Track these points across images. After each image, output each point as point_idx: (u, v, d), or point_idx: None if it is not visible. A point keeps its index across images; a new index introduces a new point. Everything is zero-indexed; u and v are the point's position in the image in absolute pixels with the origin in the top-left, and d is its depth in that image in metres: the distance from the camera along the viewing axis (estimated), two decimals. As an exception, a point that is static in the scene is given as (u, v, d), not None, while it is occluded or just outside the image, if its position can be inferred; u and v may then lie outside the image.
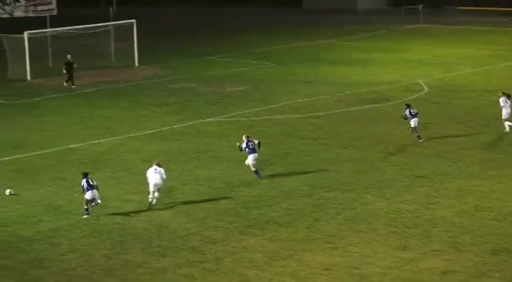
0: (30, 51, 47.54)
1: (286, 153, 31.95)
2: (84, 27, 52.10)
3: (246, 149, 28.50)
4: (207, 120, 37.49)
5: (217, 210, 25.56)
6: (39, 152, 32.03)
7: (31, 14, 71.05)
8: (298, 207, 25.81)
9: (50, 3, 72.31)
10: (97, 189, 25.08)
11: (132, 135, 34.81)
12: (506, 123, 33.80)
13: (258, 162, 28.75)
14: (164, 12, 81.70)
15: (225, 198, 26.75)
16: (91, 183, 25.06)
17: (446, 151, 31.71)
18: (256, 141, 28.79)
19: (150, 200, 25.87)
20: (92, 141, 33.68)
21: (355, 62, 53.09)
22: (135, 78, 48.37)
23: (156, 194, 25.91)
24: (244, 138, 28.76)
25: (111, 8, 56.86)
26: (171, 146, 32.82)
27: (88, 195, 24.93)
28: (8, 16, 70.12)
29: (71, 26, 51.78)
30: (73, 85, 45.45)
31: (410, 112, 33.10)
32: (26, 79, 47.28)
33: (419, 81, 46.10)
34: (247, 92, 44.11)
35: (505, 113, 33.88)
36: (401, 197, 26.50)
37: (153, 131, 35.55)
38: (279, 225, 24.29)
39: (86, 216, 25.00)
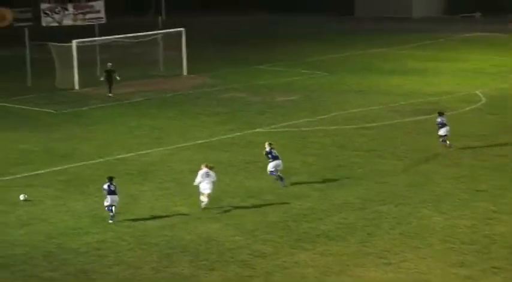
0: (78, 60, 48.01)
1: (338, 165, 31.76)
2: (133, 36, 52.54)
3: (269, 155, 29.01)
4: (256, 130, 37.47)
5: (266, 223, 25.47)
6: (86, 162, 32.27)
7: (79, 23, 71.92)
8: (350, 221, 25.60)
9: (98, 11, 73.09)
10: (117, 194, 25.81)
11: (180, 145, 34.93)
12: None
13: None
14: (213, 20, 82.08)
15: (274, 210, 26.65)
16: (112, 188, 25.70)
17: (505, 164, 31.22)
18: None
19: (201, 202, 26.53)
20: (140, 152, 33.87)
21: (410, 72, 52.68)
22: (183, 87, 48.58)
23: (205, 199, 26.44)
24: (266, 145, 29.33)
25: (159, 17, 57.25)
26: (220, 157, 32.84)
27: (108, 200, 25.57)
28: (56, 24, 71.11)
29: (119, 34, 52.25)
30: (110, 93, 45.70)
31: (441, 121, 33.31)
32: (73, 88, 47.77)
33: (477, 92, 45.55)
34: (298, 101, 44.02)
35: None
36: (458, 212, 26.12)
37: (202, 141, 35.63)
38: (330, 239, 24.11)
39: (110, 221, 25.51)
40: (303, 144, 34.88)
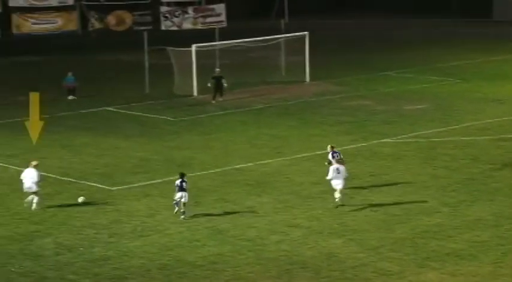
0: (197, 65, 48.72)
1: (471, 178, 31.21)
2: (254, 40, 52.99)
3: (333, 159, 29.70)
4: (382, 140, 37.23)
5: (392, 240, 25.27)
6: (204, 172, 32.75)
7: (199, 26, 73.37)
8: (483, 239, 25.12)
9: (219, 15, 74.41)
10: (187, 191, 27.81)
11: (301, 155, 35.05)
12: None
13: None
14: (339, 23, 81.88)
15: (401, 226, 26.43)
16: (183, 186, 27.53)
17: None
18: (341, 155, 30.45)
19: (336, 199, 28.05)
20: (259, 162, 34.16)
21: (552, 79, 51.27)
22: (305, 94, 48.68)
23: (338, 195, 27.94)
24: (329, 148, 30.46)
25: (282, 20, 57.52)
26: (343, 168, 32.76)
27: (177, 195, 27.55)
28: (176, 28, 72.71)
29: (240, 38, 52.91)
30: (213, 100, 46.37)
31: None
32: (192, 95, 48.53)
33: None
34: (428, 110, 43.48)
35: None
36: None
37: (324, 151, 35.32)
38: (461, 258, 23.72)
39: (175, 209, 27.61)
40: (433, 156, 34.44)
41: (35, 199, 28.29)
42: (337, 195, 27.95)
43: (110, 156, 35.59)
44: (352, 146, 36.27)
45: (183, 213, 27.31)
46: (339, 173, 28.10)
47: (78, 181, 31.88)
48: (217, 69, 47.99)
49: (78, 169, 33.63)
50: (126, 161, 34.74)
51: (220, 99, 46.61)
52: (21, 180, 28.82)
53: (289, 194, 29.83)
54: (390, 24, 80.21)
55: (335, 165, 28.41)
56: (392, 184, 30.71)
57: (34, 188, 28.34)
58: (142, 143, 37.92)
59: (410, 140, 37.37)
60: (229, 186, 30.96)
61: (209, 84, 46.84)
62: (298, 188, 30.56)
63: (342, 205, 27.90)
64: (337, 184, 28.07)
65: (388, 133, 38.55)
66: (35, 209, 28.20)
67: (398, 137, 37.80)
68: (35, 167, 28.61)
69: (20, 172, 29.59)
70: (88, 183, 31.64)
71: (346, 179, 28.24)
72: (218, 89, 46.79)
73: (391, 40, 71.97)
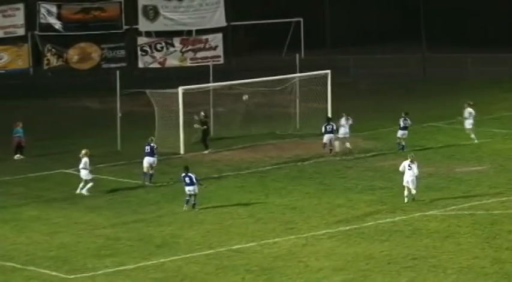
0: (185, 114, 48.90)
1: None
2: (260, 81, 53.15)
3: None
4: (427, 213, 37.17)
5: None
6: (191, 254, 32.65)
7: (189, 63, 73.77)
8: None
9: (214, 48, 74.77)
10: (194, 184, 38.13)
11: (319, 232, 34.97)
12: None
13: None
14: (372, 59, 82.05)
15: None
16: (187, 180, 38.01)
17: None
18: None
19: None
20: (263, 241, 34.09)
21: None
22: (327, 152, 48.70)
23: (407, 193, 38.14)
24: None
25: (297, 55, 57.79)
26: (376, 250, 32.69)
27: (186, 189, 38.36)
28: (158, 66, 73.09)
29: (241, 79, 53.07)
30: (206, 150, 48.42)
31: (326, 128, 47.17)
32: (178, 152, 48.61)
33: None
34: (487, 173, 43.51)
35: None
36: None
37: (350, 227, 35.57)
38: None
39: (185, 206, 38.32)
40: (494, 234, 34.34)
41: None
42: (406, 193, 37.75)
43: (66, 234, 35.54)
44: (387, 220, 36.23)
45: (194, 205, 38.04)
46: (409, 169, 37.44)
47: (24, 267, 31.78)
48: (202, 113, 48.75)
49: (24, 251, 33.56)
50: (90, 240, 34.68)
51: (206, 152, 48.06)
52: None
53: (304, 285, 29.76)
54: (437, 60, 79.91)
55: (407, 161, 37.96)
56: (440, 270, 30.54)
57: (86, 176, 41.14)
58: (110, 216, 37.92)
59: (464, 212, 37.29)
60: (225, 273, 30.85)
61: (195, 125, 48.45)
62: (315, 275, 30.43)
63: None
64: (405, 182, 37.80)
65: (435, 203, 38.49)
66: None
67: (449, 209, 37.73)
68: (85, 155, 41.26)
69: None
70: (38, 269, 31.54)
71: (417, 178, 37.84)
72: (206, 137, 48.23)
73: (440, 80, 72.07)
